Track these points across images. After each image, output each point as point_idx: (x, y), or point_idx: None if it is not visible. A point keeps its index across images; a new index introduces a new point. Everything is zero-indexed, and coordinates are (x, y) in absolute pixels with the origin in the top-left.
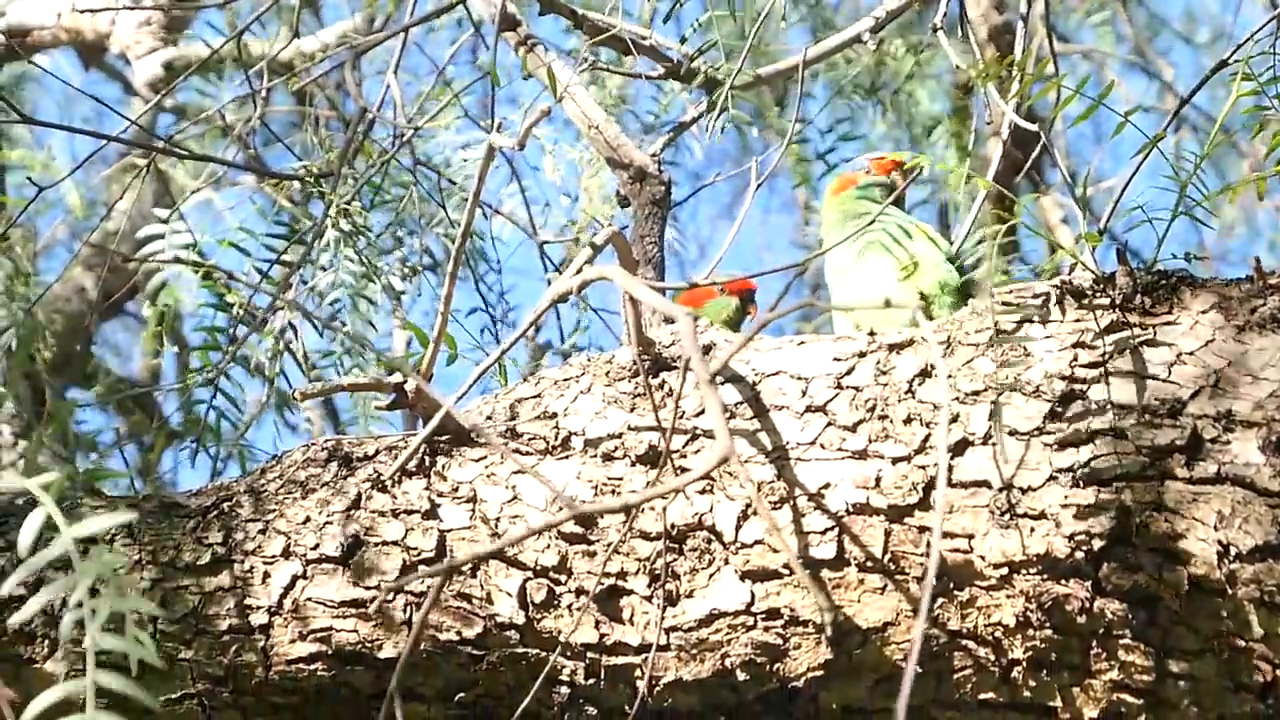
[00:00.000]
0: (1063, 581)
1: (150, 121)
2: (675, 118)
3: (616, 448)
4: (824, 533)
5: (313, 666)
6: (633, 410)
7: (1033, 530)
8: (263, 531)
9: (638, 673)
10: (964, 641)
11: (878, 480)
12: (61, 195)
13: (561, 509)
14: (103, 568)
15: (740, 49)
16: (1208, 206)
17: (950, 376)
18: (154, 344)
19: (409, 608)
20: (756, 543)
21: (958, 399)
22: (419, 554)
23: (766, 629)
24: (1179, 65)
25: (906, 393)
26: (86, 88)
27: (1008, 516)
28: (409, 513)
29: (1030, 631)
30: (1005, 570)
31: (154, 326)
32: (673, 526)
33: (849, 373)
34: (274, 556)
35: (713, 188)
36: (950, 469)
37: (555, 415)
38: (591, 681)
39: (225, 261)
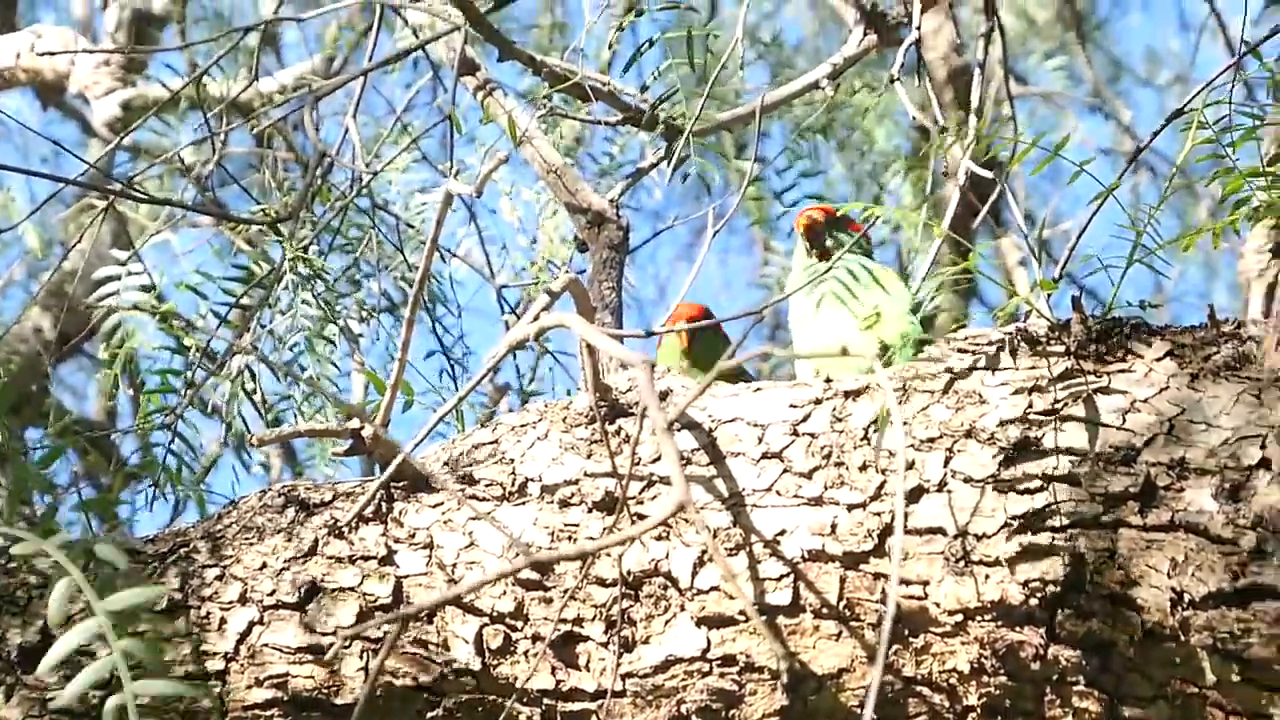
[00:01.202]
0: (1017, 628)
1: (108, 162)
2: (632, 159)
3: (573, 494)
4: (780, 579)
5: (269, 713)
6: (589, 457)
7: (987, 577)
8: (219, 577)
9: (594, 719)
10: (919, 688)
11: (833, 527)
12: (19, 235)
13: (518, 556)
14: (136, 646)
15: (698, 93)
16: (1163, 256)
17: (906, 423)
18: (110, 386)
19: (365, 654)
20: (712, 589)
21: (913, 446)
22: (375, 600)
23: (722, 675)
24: (1139, 106)
25: (862, 439)
26: (45, 127)
27: (962, 563)
28: (365, 559)
29: (985, 678)
30: (960, 617)
31: (110, 369)
32: (629, 573)
33: (805, 419)
34: (230, 602)
35: (671, 228)
36: (906, 515)
37: (512, 461)
38: None
39: (183, 304)
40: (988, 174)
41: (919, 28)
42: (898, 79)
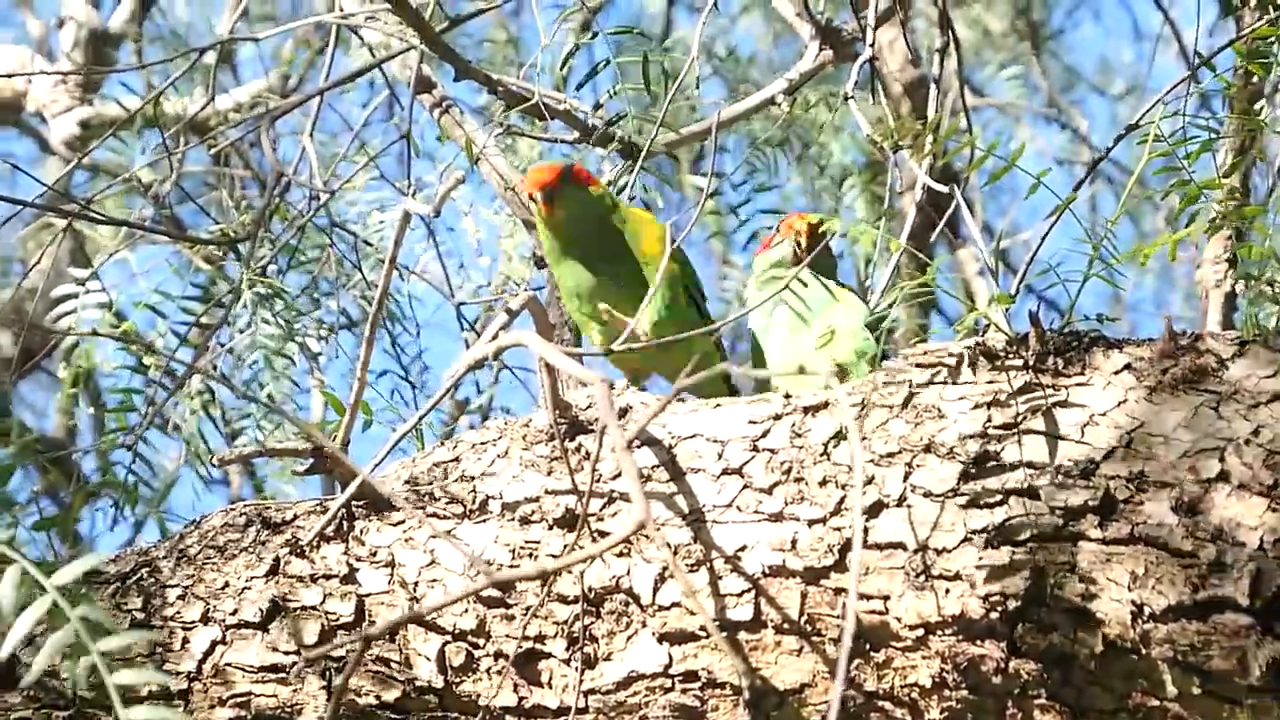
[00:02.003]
0: (978, 642)
1: (66, 181)
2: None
3: (534, 511)
4: (741, 595)
5: None
6: (550, 474)
7: (948, 591)
8: (182, 597)
9: None
10: (881, 703)
11: (794, 542)
12: None
13: (479, 574)
14: (92, 612)
15: (654, 110)
16: (1119, 268)
17: (865, 438)
18: (69, 404)
19: (328, 672)
20: (674, 605)
21: (872, 461)
22: (338, 619)
23: (685, 691)
24: (1093, 116)
25: (822, 455)
26: (1, 145)
27: (923, 578)
28: (328, 578)
29: (946, 692)
30: (921, 631)
31: (69, 388)
32: (590, 589)
33: (764, 435)
34: (193, 622)
35: None
36: (866, 531)
37: (473, 479)
38: None
39: (142, 322)
40: (944, 189)
41: (874, 44)
42: (852, 97)
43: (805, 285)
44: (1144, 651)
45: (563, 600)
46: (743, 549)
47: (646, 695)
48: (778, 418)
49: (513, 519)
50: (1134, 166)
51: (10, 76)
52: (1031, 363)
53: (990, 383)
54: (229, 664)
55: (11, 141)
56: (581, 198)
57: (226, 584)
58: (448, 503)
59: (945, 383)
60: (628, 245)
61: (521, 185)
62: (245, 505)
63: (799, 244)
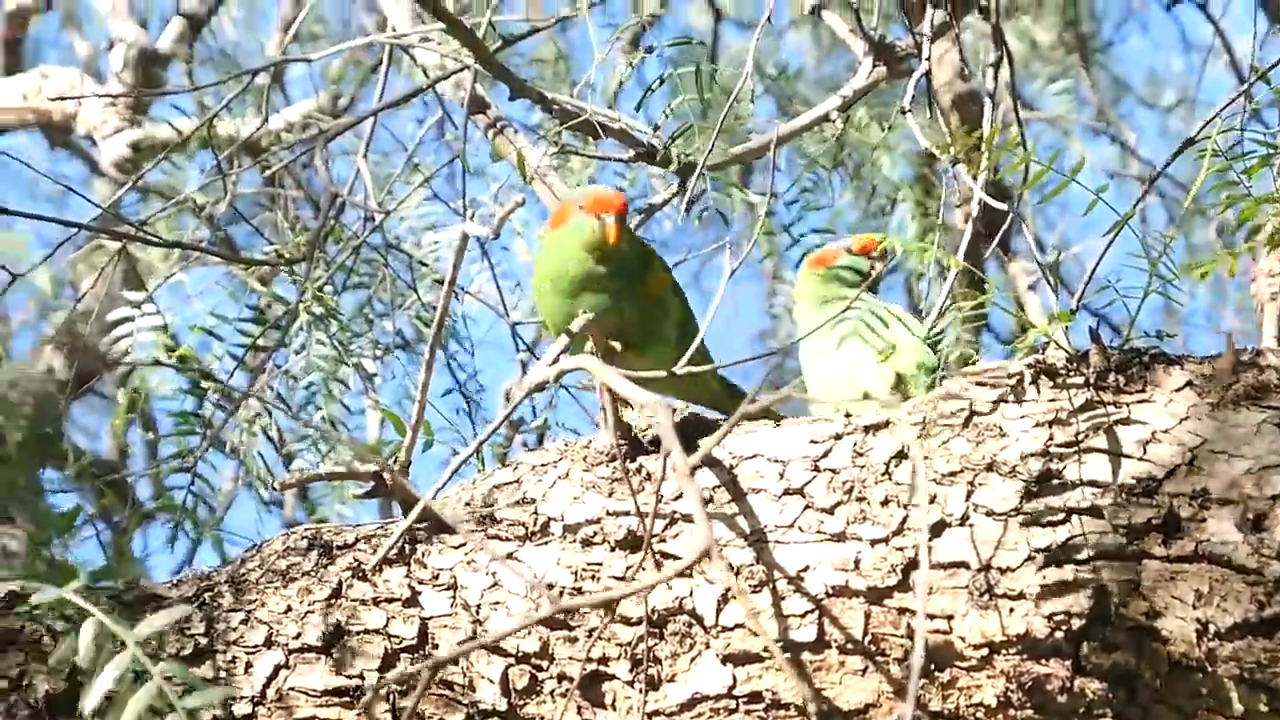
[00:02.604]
0: (1043, 661)
1: (117, 202)
2: (641, 193)
3: (595, 533)
4: (804, 615)
5: None
6: (611, 495)
7: (1012, 610)
8: (245, 621)
9: None
10: None
11: (857, 562)
12: (31, 277)
13: (542, 599)
14: (174, 668)
15: (705, 127)
16: (1177, 284)
17: (927, 457)
18: (123, 428)
19: (392, 695)
20: (737, 626)
21: (934, 480)
22: (401, 642)
23: (749, 713)
24: (1142, 129)
25: (884, 474)
26: (52, 166)
27: (986, 597)
28: (390, 601)
29: (1011, 711)
30: (985, 651)
31: (124, 412)
32: (653, 611)
33: (826, 455)
34: (256, 646)
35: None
36: (929, 550)
37: (534, 501)
38: None
39: (197, 344)
40: (1002, 206)
41: (929, 58)
42: (910, 111)
43: (860, 308)
44: (1210, 669)
45: (626, 622)
46: (805, 569)
47: (711, 717)
48: (839, 437)
49: (574, 540)
50: (1184, 179)
51: (64, 99)
52: (1092, 380)
53: (1051, 401)
54: (292, 688)
55: (62, 163)
56: (628, 227)
57: (289, 608)
58: (509, 525)
59: (1006, 401)
60: (644, 277)
61: (579, 203)
62: (306, 529)
63: (872, 266)
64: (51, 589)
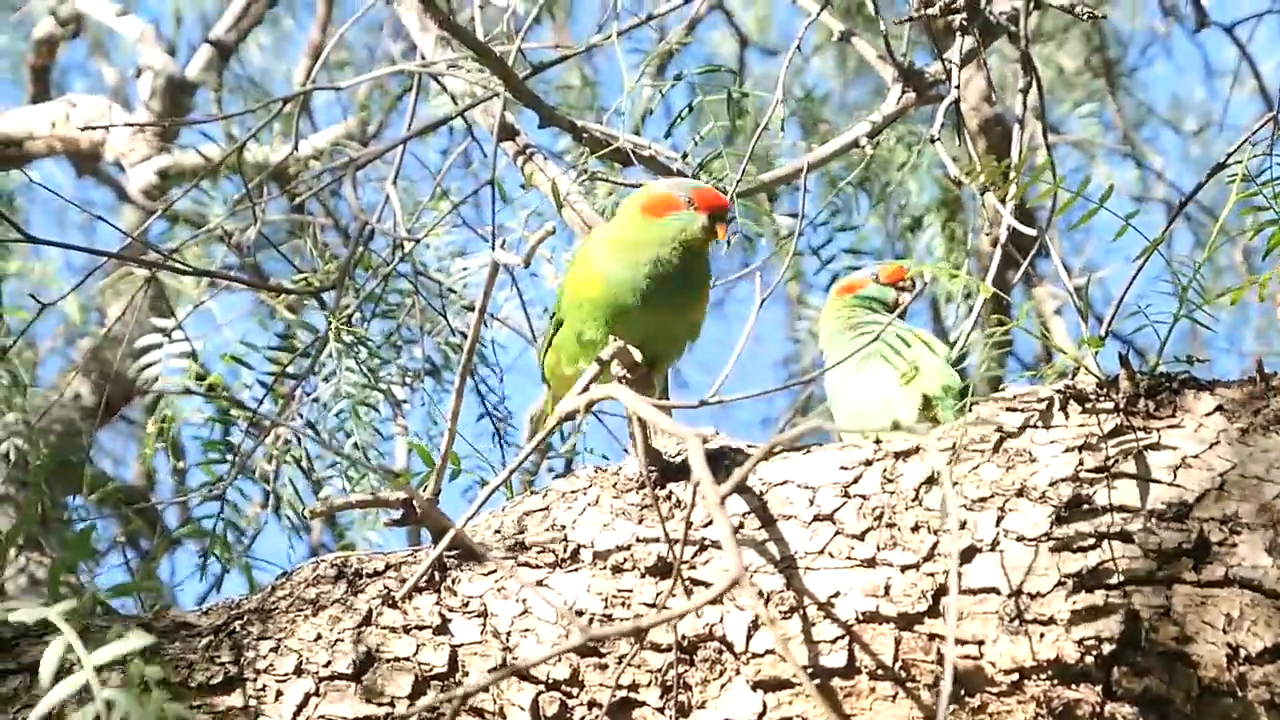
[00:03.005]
0: (1073, 686)
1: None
2: None
3: (625, 559)
4: (834, 641)
5: None
6: (641, 522)
7: (1042, 636)
8: (274, 649)
9: None
10: None
11: (887, 588)
12: (59, 304)
13: (573, 628)
14: (119, 695)
15: (734, 153)
16: (1207, 309)
17: (956, 483)
18: (151, 455)
19: None
20: (768, 652)
21: (965, 505)
22: (431, 669)
23: None
24: (1166, 152)
25: (913, 500)
26: (80, 193)
27: (1017, 622)
28: (420, 628)
29: None
30: (1016, 676)
31: (153, 442)
32: (683, 638)
33: (856, 481)
34: (286, 674)
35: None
36: (959, 575)
37: (564, 528)
38: None
39: (225, 371)
40: (1031, 231)
41: (959, 86)
42: (938, 139)
43: (885, 332)
44: (1240, 694)
45: (656, 649)
46: (836, 595)
47: None
48: (869, 463)
49: (604, 567)
50: (1207, 202)
51: (92, 128)
52: (1122, 405)
53: (1081, 426)
54: (323, 715)
55: (89, 190)
56: None
57: (319, 636)
58: (539, 552)
59: (1036, 426)
60: (706, 293)
61: (682, 196)
62: (335, 557)
63: (900, 295)
64: (36, 609)
